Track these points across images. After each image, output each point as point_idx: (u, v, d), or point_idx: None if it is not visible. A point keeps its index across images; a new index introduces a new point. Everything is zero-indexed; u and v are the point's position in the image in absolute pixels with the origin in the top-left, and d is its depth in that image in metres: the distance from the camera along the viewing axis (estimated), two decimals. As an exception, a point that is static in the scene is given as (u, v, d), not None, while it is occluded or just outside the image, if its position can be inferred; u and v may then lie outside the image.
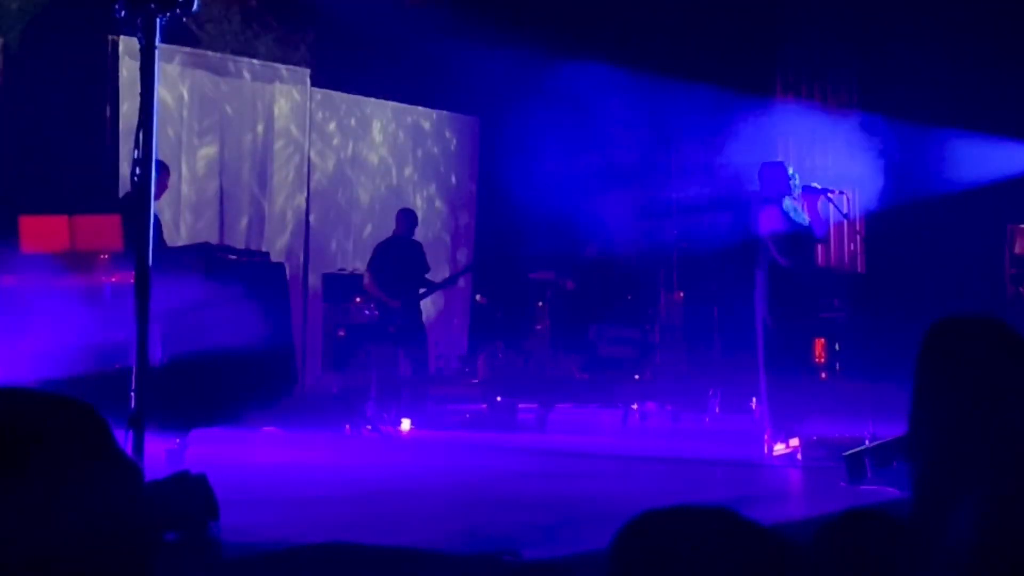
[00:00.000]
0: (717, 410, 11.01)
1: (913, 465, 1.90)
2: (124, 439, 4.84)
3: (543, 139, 12.63)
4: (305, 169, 12.42)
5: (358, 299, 10.76)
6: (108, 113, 10.59)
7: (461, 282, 13.36)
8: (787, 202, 8.32)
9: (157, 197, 8.64)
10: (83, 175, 10.00)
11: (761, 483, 7.40)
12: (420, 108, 13.65)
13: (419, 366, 10.67)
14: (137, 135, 5.01)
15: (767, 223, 8.23)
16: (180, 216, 11.21)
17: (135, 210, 5.04)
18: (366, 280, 10.73)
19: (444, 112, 13.89)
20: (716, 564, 1.52)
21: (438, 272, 12.23)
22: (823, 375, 11.09)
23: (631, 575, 1.56)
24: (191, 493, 4.74)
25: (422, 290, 10.86)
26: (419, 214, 13.58)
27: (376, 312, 10.48)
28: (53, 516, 1.12)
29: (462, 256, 13.97)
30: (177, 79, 11.26)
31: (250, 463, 7.64)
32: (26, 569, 1.08)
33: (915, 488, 1.97)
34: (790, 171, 8.50)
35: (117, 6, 4.94)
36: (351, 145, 13.02)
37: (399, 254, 10.76)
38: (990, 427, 1.82)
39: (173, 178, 9.94)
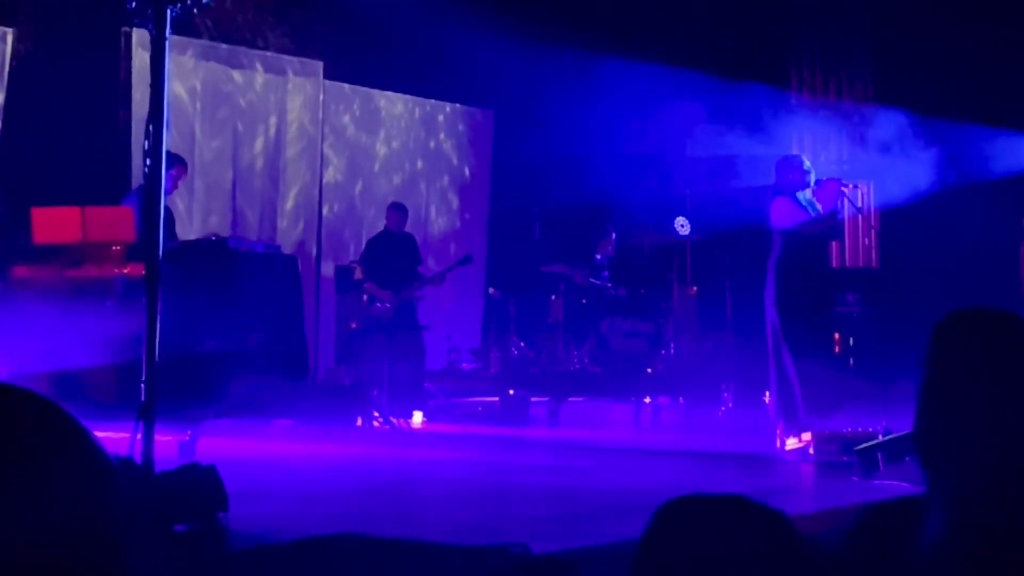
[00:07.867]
0: (730, 404, 10.97)
1: (919, 460, 1.88)
2: (135, 430, 4.85)
3: (557, 132, 12.59)
4: (318, 162, 12.41)
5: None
6: (120, 105, 10.59)
7: (472, 268, 13.22)
8: (802, 195, 8.28)
9: (170, 191, 8.66)
10: (95, 167, 9.99)
11: (773, 477, 7.37)
12: (433, 101, 13.63)
13: (415, 359, 10.62)
14: (147, 126, 5.01)
15: (779, 215, 8.19)
16: (192, 209, 11.21)
17: (145, 201, 5.05)
18: (357, 274, 10.82)
19: (458, 105, 13.87)
20: (758, 559, 1.51)
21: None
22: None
23: (662, 557, 1.56)
24: (201, 484, 4.75)
25: (417, 291, 10.82)
26: (432, 207, 13.61)
27: (387, 304, 10.49)
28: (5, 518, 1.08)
29: (475, 250, 13.93)
30: (190, 71, 11.26)
31: (261, 455, 7.64)
32: None
33: (925, 484, 1.95)
34: (806, 165, 8.45)
35: (128, -3, 4.95)
36: (364, 138, 13.00)
37: (391, 248, 10.78)
38: (994, 421, 1.80)
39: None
